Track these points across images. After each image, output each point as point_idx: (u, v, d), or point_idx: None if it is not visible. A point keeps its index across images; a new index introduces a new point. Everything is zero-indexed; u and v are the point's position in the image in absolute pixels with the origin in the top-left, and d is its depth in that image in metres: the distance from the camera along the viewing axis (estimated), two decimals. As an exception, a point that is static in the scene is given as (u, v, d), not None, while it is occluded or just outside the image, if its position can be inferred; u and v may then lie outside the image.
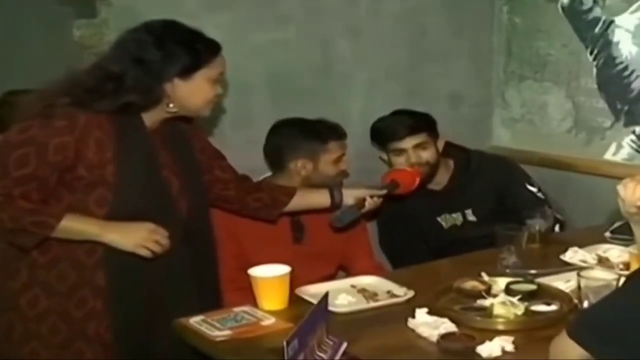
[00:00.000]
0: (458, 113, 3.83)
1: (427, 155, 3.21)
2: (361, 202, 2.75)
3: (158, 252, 2.28)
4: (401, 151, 3.21)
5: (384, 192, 2.83)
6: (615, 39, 3.41)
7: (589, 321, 1.75)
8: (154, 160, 2.37)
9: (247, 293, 2.42)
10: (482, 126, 3.94)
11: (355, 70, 3.58)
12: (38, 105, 2.25)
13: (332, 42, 3.52)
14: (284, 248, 2.94)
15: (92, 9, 3.15)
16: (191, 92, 2.35)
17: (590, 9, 3.47)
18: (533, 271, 2.55)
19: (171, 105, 2.35)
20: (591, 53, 3.50)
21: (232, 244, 2.90)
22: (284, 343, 1.72)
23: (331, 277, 2.98)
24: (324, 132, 3.04)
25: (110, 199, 2.26)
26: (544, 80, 3.71)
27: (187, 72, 2.32)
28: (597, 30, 3.46)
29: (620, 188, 1.92)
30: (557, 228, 3.18)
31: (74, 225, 2.24)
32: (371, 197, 2.77)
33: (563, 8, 3.58)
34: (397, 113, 3.31)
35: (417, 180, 3.00)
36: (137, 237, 2.26)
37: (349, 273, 3.07)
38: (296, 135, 3.04)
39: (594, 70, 3.50)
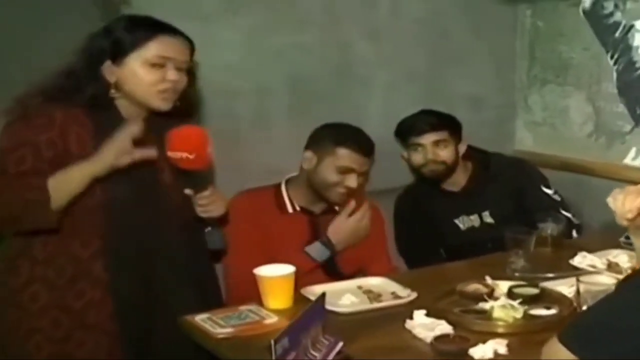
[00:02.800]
0: (479, 116, 3.83)
1: (445, 154, 3.25)
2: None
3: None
4: (420, 146, 3.26)
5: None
6: (635, 44, 3.40)
7: (578, 326, 1.76)
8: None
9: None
10: (504, 129, 3.94)
11: (375, 72, 3.60)
12: (15, 108, 2.27)
13: (352, 45, 3.54)
14: (301, 247, 2.95)
15: (116, 13, 3.21)
16: (126, 77, 2.30)
17: (611, 13, 3.46)
18: (540, 275, 2.56)
19: (112, 91, 2.31)
20: (612, 57, 3.49)
21: (255, 234, 2.91)
22: (272, 342, 1.75)
23: (348, 279, 2.99)
24: (342, 136, 2.96)
25: (99, 190, 2.26)
26: (565, 84, 3.70)
27: (117, 56, 2.29)
28: (617, 34, 3.45)
29: (610, 200, 1.92)
30: (574, 233, 3.18)
31: (62, 177, 2.19)
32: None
33: (585, 12, 3.57)
34: (424, 111, 3.35)
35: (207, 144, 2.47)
36: (112, 153, 2.19)
37: (366, 276, 3.07)
38: (323, 130, 3.03)
39: (614, 74, 3.49)
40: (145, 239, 2.37)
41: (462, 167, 3.36)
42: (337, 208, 3.05)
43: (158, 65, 2.30)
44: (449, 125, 3.30)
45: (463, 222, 3.33)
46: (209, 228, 2.49)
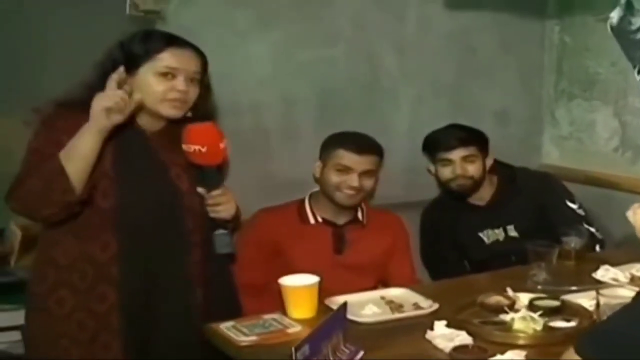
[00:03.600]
0: (506, 130, 3.86)
1: (473, 169, 3.28)
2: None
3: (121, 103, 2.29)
4: (449, 161, 3.29)
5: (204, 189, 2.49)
6: (662, 59, 3.43)
7: (594, 336, 1.78)
8: (152, 156, 2.43)
9: (267, 299, 2.56)
10: (531, 143, 3.97)
11: (402, 86, 3.65)
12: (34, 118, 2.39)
13: (380, 59, 3.59)
14: (325, 258, 3.00)
15: (151, 27, 3.28)
16: (139, 87, 2.37)
17: (639, 29, 3.48)
18: (562, 288, 2.58)
19: None
20: (638, 72, 3.50)
21: (266, 250, 2.99)
22: (293, 348, 1.80)
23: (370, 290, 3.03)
24: (341, 139, 3.05)
25: (114, 191, 2.34)
26: (592, 99, 3.73)
27: (131, 67, 2.37)
28: (644, 49, 3.48)
29: (629, 214, 1.94)
30: (597, 248, 3.20)
31: (70, 144, 2.27)
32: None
33: (612, 28, 3.59)
34: (451, 126, 3.38)
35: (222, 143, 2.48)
36: (97, 106, 2.26)
37: (388, 287, 3.09)
38: (328, 138, 3.11)
39: (641, 89, 3.51)
40: (156, 243, 2.41)
41: (488, 181, 3.39)
42: (360, 217, 3.11)
43: (169, 75, 2.39)
44: (478, 140, 3.33)
45: (488, 236, 3.36)
46: (219, 231, 2.49)
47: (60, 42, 3.53)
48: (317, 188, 3.13)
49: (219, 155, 2.44)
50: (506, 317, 2.30)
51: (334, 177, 3.01)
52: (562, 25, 3.84)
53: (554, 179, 3.48)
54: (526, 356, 2.06)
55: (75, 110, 2.33)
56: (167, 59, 2.39)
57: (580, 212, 3.31)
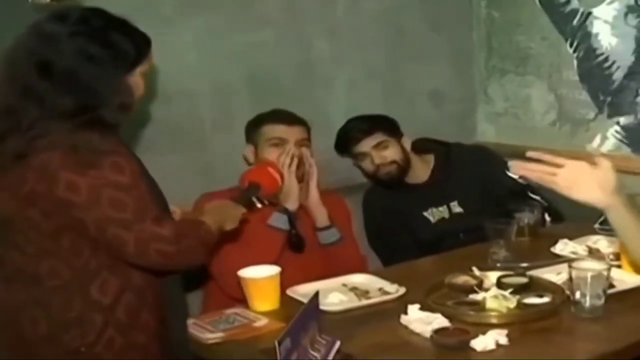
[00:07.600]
0: (441, 110, 3.81)
1: (390, 153, 3.22)
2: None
3: None
4: (363, 154, 3.24)
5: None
6: (594, 31, 3.42)
7: None
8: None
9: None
10: (466, 122, 3.92)
11: (335, 70, 3.56)
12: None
13: (311, 43, 3.49)
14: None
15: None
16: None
17: (568, 2, 3.47)
18: (524, 264, 2.54)
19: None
20: (571, 45, 3.50)
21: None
22: (276, 343, 1.70)
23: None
24: (262, 117, 3.00)
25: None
26: (525, 73, 3.70)
27: (137, 63, 2.08)
28: (575, 22, 3.47)
29: None
30: (546, 216, 3.16)
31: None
32: None
33: (540, 1, 3.58)
34: (351, 120, 3.33)
35: (279, 179, 2.80)
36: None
37: None
38: (249, 123, 3.05)
39: (575, 62, 3.50)
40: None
41: (423, 160, 3.34)
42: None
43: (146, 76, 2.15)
44: (381, 125, 3.26)
45: (432, 215, 3.29)
46: None
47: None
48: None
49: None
50: (477, 297, 2.25)
51: (271, 153, 2.91)
52: (489, 1, 3.80)
53: (490, 150, 3.46)
54: (507, 335, 2.01)
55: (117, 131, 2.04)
56: (150, 58, 2.13)
57: (522, 181, 3.27)
